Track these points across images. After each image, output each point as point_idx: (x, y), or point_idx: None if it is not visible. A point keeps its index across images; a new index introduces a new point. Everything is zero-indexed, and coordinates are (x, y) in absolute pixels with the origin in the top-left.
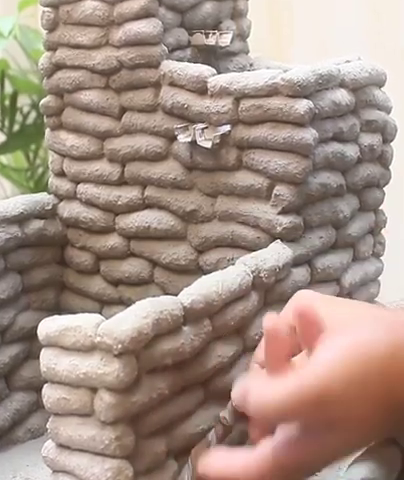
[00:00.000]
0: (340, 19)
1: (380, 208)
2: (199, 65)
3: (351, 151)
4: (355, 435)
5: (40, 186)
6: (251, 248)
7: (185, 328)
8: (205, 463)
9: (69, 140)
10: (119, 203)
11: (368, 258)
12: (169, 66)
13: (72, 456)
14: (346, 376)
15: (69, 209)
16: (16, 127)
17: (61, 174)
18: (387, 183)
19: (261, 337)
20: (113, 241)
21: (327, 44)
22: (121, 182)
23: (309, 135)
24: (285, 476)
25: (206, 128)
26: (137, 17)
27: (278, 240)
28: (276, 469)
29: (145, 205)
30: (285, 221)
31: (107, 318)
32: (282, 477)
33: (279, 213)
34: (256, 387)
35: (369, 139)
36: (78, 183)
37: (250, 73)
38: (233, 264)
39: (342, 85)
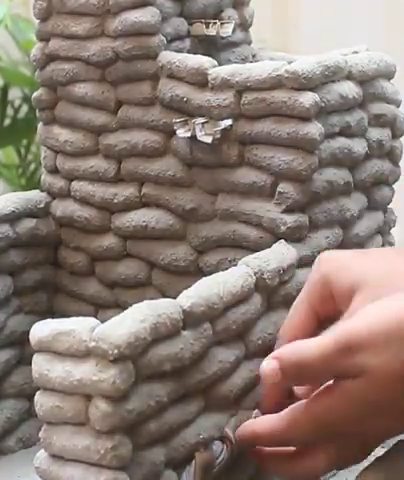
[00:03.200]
0: (348, 8)
1: (389, 206)
2: (199, 56)
3: (359, 146)
4: (382, 388)
5: (32, 183)
6: (254, 248)
7: (184, 332)
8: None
9: (63, 135)
10: (115, 201)
11: None
12: (168, 57)
13: (66, 467)
14: (383, 327)
15: (62, 207)
16: (7, 121)
17: (54, 171)
18: (397, 180)
19: (264, 342)
20: (109, 241)
21: (335, 34)
22: (117, 179)
23: (315, 130)
24: (317, 428)
25: (206, 122)
26: (134, 6)
27: (282, 240)
28: (309, 420)
29: (142, 203)
30: (289, 220)
31: (102, 322)
32: (315, 429)
33: (283, 212)
34: (293, 344)
35: (378, 134)
36: (72, 180)
37: (253, 65)
38: (235, 265)
39: (349, 77)
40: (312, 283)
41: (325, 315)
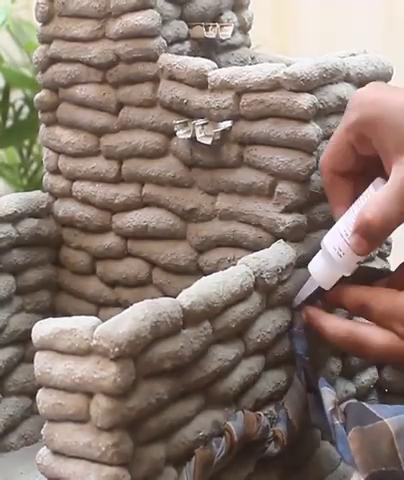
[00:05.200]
0: (347, 10)
1: None
2: (199, 59)
3: None
4: None
5: (34, 184)
6: (253, 248)
7: (184, 331)
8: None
9: (64, 136)
10: (116, 201)
11: (374, 258)
12: (168, 60)
13: (67, 463)
14: None
15: (64, 208)
16: (9, 122)
17: (56, 171)
18: None
19: (263, 340)
20: (110, 241)
21: (334, 36)
22: (118, 180)
23: (313, 131)
24: None
25: (206, 124)
26: (134, 9)
27: (281, 240)
28: None
29: (143, 203)
30: (288, 220)
31: (103, 321)
32: None
33: (282, 212)
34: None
35: None
36: (74, 181)
37: (252, 67)
38: (234, 265)
39: (347, 79)
40: (350, 123)
41: (362, 153)
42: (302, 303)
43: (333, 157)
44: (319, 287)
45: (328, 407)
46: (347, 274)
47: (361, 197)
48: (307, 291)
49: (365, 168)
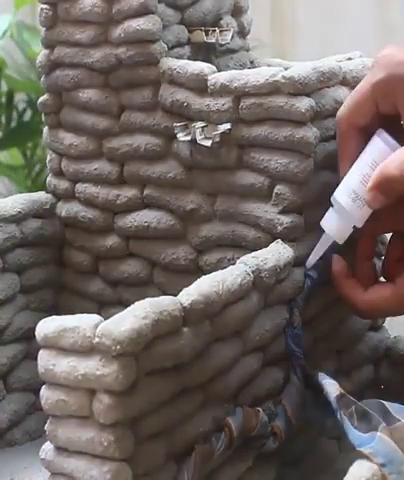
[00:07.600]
0: (344, 15)
1: None
2: (199, 63)
3: None
4: None
5: (37, 185)
6: (252, 248)
7: (185, 329)
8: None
9: (67, 139)
10: (118, 202)
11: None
12: (168, 64)
13: (70, 458)
14: None
15: (67, 208)
16: (12, 124)
17: (59, 173)
18: None
19: (262, 338)
20: (112, 241)
21: (331, 41)
22: (120, 181)
23: (310, 133)
24: None
25: (206, 126)
26: (136, 14)
27: (279, 240)
28: None
29: (144, 204)
30: (286, 221)
31: (106, 319)
32: None
33: (280, 212)
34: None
35: None
36: (76, 182)
37: (251, 71)
38: (233, 264)
39: (344, 83)
40: (377, 79)
41: (382, 110)
42: (318, 261)
43: (354, 110)
44: (334, 242)
45: (333, 394)
46: (359, 225)
47: (367, 150)
48: (321, 249)
49: (377, 126)
